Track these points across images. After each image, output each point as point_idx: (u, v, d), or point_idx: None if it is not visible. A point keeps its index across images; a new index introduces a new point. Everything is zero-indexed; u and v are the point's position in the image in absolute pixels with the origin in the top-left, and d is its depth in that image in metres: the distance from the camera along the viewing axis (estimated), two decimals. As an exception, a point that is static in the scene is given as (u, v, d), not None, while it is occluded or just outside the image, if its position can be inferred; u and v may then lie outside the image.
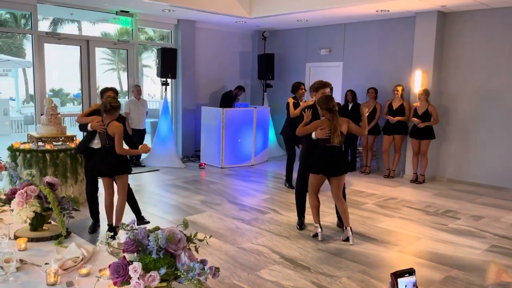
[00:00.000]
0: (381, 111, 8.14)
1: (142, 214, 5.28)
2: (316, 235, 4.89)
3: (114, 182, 4.77)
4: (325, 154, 4.67)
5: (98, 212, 5.13)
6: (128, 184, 4.87)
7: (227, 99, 9.58)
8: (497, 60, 7.22)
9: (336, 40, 9.37)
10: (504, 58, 7.15)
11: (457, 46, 7.65)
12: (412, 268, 1.04)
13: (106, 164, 4.58)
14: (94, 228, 5.04)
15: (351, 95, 8.32)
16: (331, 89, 9.30)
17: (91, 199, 5.09)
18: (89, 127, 4.67)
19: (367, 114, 8.09)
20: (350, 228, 4.79)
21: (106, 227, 4.85)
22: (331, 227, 5.28)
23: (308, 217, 5.23)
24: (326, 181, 4.85)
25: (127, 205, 4.89)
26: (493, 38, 7.23)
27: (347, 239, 4.77)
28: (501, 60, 7.18)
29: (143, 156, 8.91)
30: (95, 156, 4.72)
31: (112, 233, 1.88)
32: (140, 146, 4.92)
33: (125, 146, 4.69)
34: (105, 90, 5.08)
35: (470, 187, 7.45)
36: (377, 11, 7.72)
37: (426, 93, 7.52)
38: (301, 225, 5.22)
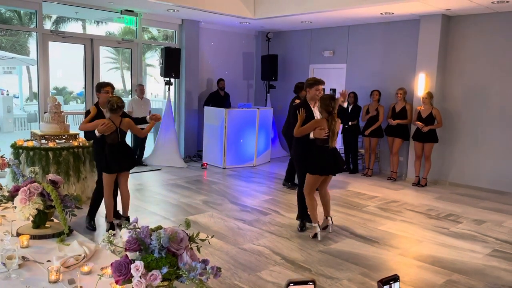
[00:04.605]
0: (384, 114, 8.12)
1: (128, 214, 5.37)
2: (315, 235, 4.90)
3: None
4: (324, 154, 4.70)
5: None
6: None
7: (213, 99, 9.48)
8: (500, 64, 7.21)
9: (340, 42, 9.37)
10: (507, 62, 7.12)
11: (461, 49, 7.63)
12: (396, 275, 1.04)
13: (124, 160, 4.77)
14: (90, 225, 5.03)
15: (353, 97, 8.32)
16: (334, 90, 9.33)
17: (98, 197, 5.04)
18: (97, 133, 4.58)
19: (370, 115, 8.13)
20: (331, 217, 5.16)
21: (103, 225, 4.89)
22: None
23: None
24: None
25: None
26: (497, 42, 7.22)
27: (326, 227, 5.11)
28: (505, 64, 7.15)
29: (146, 155, 8.92)
30: (110, 154, 4.65)
31: (114, 232, 1.88)
32: (148, 117, 5.00)
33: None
34: (102, 85, 4.92)
35: (472, 191, 7.43)
36: (381, 13, 7.72)
37: (430, 96, 7.49)
38: (302, 227, 5.22)
